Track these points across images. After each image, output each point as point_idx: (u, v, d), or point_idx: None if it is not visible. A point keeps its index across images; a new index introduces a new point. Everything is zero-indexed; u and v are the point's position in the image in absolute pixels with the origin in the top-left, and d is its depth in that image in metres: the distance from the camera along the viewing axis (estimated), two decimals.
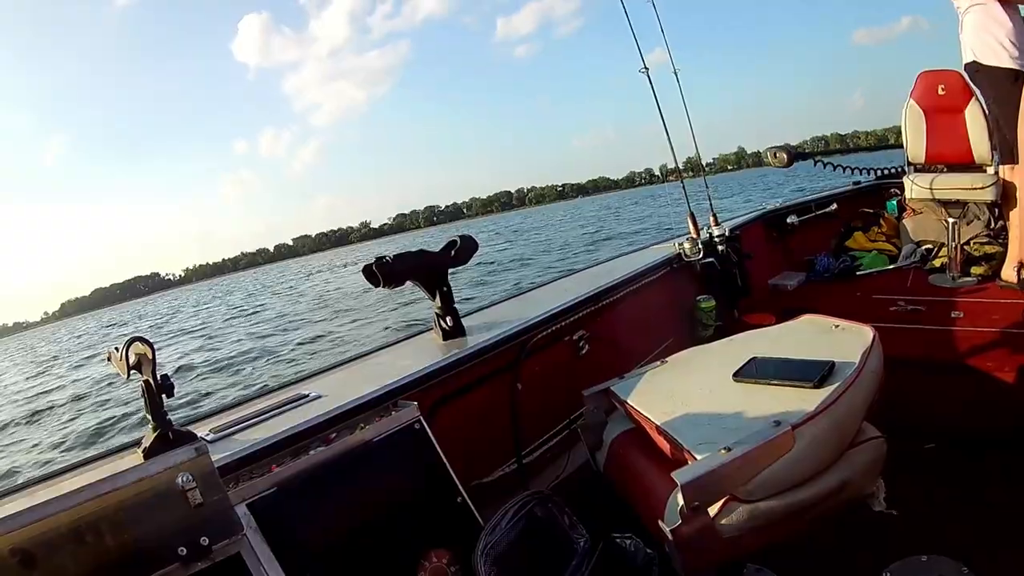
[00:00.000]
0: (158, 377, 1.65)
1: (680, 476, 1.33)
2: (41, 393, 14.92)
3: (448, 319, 2.35)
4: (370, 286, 2.25)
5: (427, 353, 2.22)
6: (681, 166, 3.57)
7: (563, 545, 1.74)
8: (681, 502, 1.35)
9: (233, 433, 1.82)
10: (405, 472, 1.77)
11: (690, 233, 3.24)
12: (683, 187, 3.41)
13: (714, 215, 3.45)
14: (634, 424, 1.79)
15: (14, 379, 20.37)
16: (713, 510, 1.37)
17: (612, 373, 2.00)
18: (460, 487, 1.80)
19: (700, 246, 3.14)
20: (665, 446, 1.59)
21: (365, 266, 2.22)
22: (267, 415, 1.91)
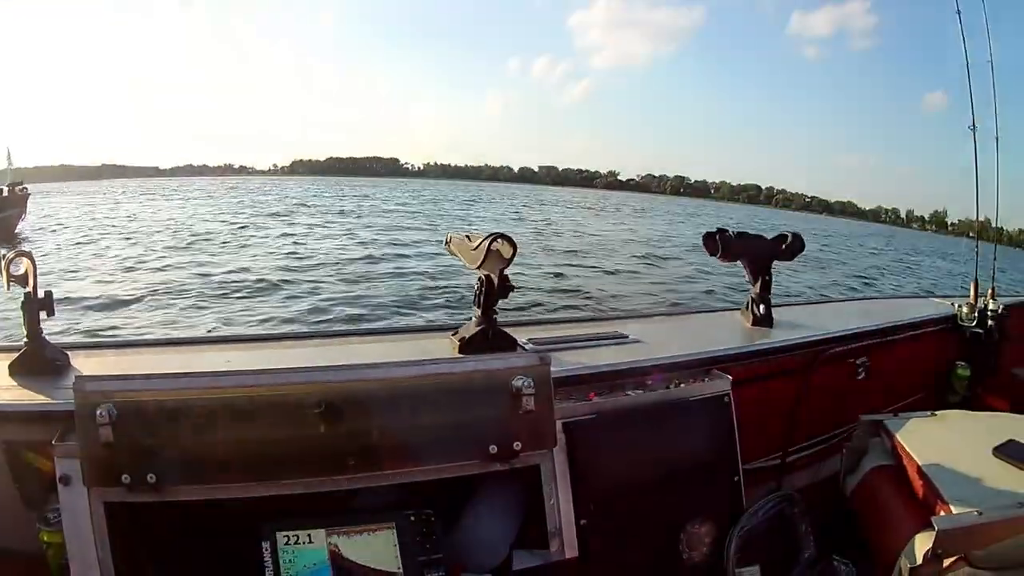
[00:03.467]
0: (503, 275, 1.81)
1: (940, 523, 1.44)
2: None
3: (762, 307, 2.40)
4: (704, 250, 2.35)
5: (737, 333, 2.34)
6: (964, 231, 3.49)
7: (793, 549, 1.87)
8: (928, 546, 1.44)
9: (553, 350, 1.89)
10: (702, 438, 1.85)
11: (969, 298, 3.19)
12: (976, 253, 3.29)
13: (993, 288, 3.27)
14: (894, 461, 1.88)
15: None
16: (944, 563, 1.45)
17: (876, 405, 2.13)
18: (740, 467, 1.88)
19: (976, 314, 3.09)
20: (920, 490, 1.70)
21: (707, 233, 2.35)
22: (587, 343, 2.03)
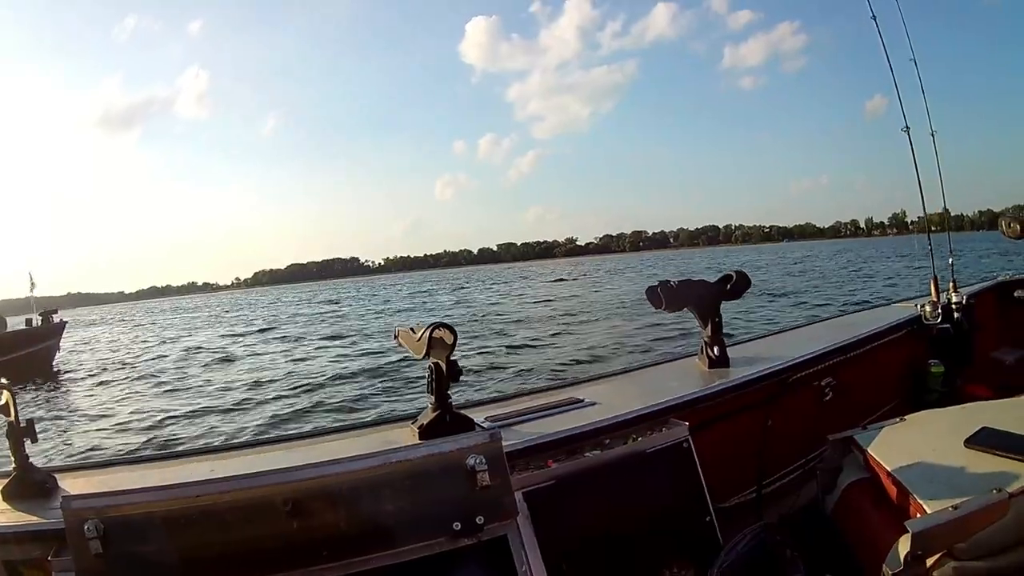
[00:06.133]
0: (450, 361, 1.85)
1: (913, 525, 1.44)
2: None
3: (716, 348, 2.41)
4: (650, 306, 2.40)
5: (693, 378, 2.35)
6: (923, 227, 3.50)
7: None
8: (907, 549, 1.43)
9: (510, 424, 1.96)
10: (666, 486, 1.88)
11: (931, 296, 3.22)
12: (931, 252, 3.36)
13: (954, 281, 3.31)
14: (869, 473, 1.88)
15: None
16: (928, 563, 1.45)
17: (849, 422, 2.10)
18: (711, 507, 1.91)
19: (940, 311, 3.10)
20: (896, 496, 1.70)
21: (649, 288, 2.38)
22: (544, 413, 2.07)
